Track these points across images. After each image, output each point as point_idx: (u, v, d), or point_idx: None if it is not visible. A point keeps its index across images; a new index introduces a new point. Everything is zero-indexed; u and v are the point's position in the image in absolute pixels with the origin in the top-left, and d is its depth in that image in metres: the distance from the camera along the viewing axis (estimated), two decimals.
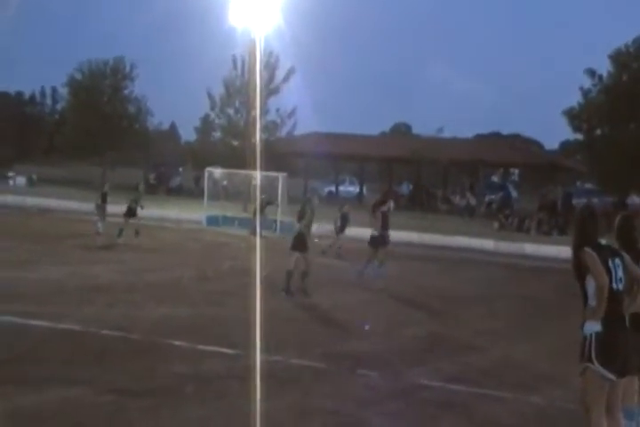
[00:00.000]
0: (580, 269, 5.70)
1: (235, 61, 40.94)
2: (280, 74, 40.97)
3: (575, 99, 41.91)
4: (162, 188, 47.19)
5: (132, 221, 22.69)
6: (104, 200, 23.89)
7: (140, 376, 7.73)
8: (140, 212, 23.20)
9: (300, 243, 14.60)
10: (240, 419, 6.56)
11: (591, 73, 41.03)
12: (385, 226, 16.96)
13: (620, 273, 5.64)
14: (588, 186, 53.88)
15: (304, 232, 14.80)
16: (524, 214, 36.05)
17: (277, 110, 41.45)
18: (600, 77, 40.93)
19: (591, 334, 5.50)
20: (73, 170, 55.23)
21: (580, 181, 62.49)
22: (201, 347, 9.25)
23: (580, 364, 5.58)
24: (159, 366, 8.23)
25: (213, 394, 7.18)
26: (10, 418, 6.19)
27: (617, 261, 5.69)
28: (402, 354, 9.84)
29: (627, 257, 5.86)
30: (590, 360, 5.48)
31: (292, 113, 41.30)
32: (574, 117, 41.36)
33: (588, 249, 5.68)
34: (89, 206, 35.33)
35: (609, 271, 5.60)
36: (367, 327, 11.09)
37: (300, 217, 14.81)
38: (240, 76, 41.04)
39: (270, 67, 40.60)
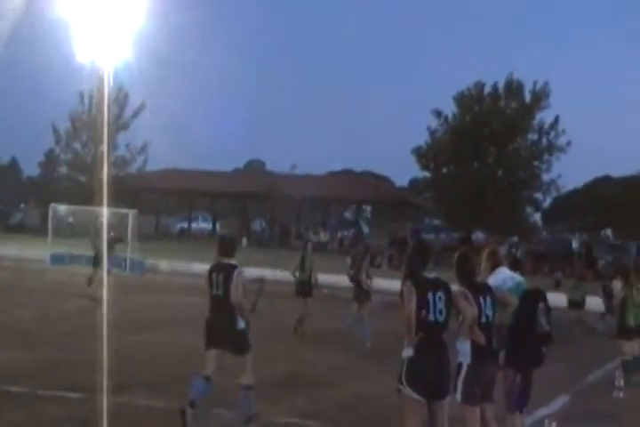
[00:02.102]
0: (402, 299, 6.08)
1: (82, 96, 40.04)
2: (130, 109, 40.37)
3: (423, 137, 43.50)
4: (1, 225, 44.84)
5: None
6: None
7: None
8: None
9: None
10: None
11: (437, 113, 42.85)
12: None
13: (441, 305, 5.98)
14: (436, 222, 55.87)
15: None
16: (376, 250, 36.69)
17: (127, 146, 40.78)
18: (446, 118, 42.77)
19: (405, 359, 5.93)
20: None
21: (428, 217, 64.67)
22: (41, 392, 8.59)
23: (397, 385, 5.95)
24: None
25: None
26: None
27: (439, 293, 6.01)
28: (259, 392, 9.51)
29: (457, 289, 6.32)
30: (401, 382, 5.90)
31: (143, 148, 40.72)
32: (422, 156, 42.93)
33: (408, 282, 6.10)
34: None
35: (427, 303, 5.94)
36: None
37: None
38: (87, 110, 40.09)
39: (120, 102, 39.93)
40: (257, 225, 50.82)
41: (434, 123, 43.00)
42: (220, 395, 8.99)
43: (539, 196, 44.32)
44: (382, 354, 12.52)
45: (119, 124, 39.60)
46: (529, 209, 47.89)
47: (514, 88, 41.76)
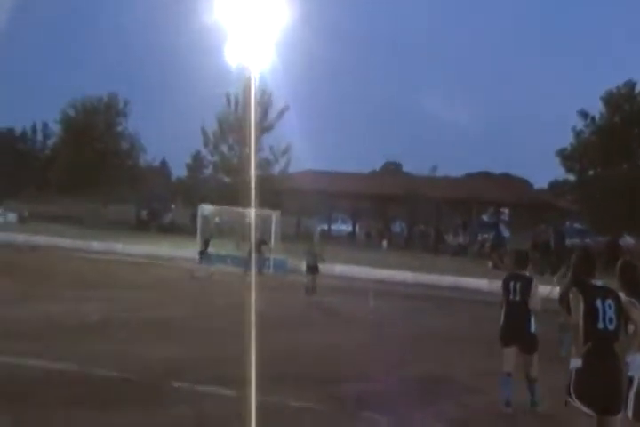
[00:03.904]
0: (566, 306, 5.89)
1: (229, 98, 41.20)
2: (274, 111, 41.23)
3: (567, 139, 42.27)
4: (154, 224, 47.01)
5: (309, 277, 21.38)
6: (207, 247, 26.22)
7: (141, 419, 7.50)
8: (321, 266, 21.80)
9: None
10: None
11: (584, 114, 41.48)
12: None
13: (611, 313, 5.76)
14: (577, 226, 54.02)
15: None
16: None
17: (271, 148, 41.67)
18: (593, 119, 41.35)
19: (573, 369, 5.69)
20: (64, 206, 54.96)
21: (570, 220, 62.57)
22: (200, 388, 9.01)
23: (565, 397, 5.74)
24: (159, 407, 8.01)
25: None
26: None
27: (609, 301, 5.79)
28: (404, 396, 9.61)
29: (624, 299, 6.01)
30: (569, 395, 5.66)
31: (286, 150, 41.51)
32: (567, 158, 41.67)
33: (574, 289, 5.89)
34: (80, 244, 35.32)
35: (596, 311, 5.72)
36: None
37: None
38: (234, 112, 41.26)
39: (264, 104, 40.87)
40: (397, 227, 50.80)
41: (579, 124, 41.66)
42: (367, 399, 9.17)
43: None
44: None
45: (263, 127, 40.56)
46: None
47: None
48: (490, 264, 34.72)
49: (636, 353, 5.98)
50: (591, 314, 5.71)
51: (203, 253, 26.92)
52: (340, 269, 30.85)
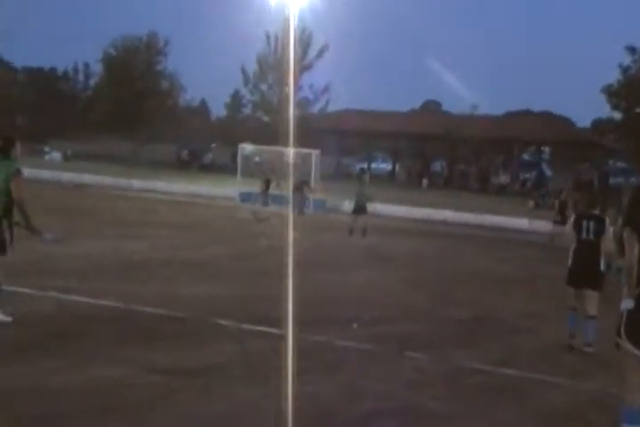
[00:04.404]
0: (620, 245, 5.75)
1: (268, 38, 40.71)
2: (313, 50, 40.69)
3: (612, 76, 41.11)
4: (194, 164, 47.19)
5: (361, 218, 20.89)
6: (267, 187, 25.84)
7: (189, 356, 7.58)
8: (370, 207, 21.31)
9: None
10: (292, 400, 6.39)
11: (631, 49, 40.19)
12: None
13: None
14: (621, 165, 53.03)
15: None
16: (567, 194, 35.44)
17: (310, 87, 41.23)
18: None
19: (624, 310, 5.53)
20: (106, 145, 55.32)
21: (612, 159, 61.43)
22: (246, 326, 9.08)
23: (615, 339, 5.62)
24: (206, 345, 8.09)
25: (263, 375, 6.99)
26: (54, 395, 6.05)
27: None
28: (448, 336, 9.61)
29: None
30: (620, 336, 5.52)
31: (326, 89, 41.09)
32: (613, 95, 40.61)
33: (629, 229, 5.64)
34: (122, 182, 35.66)
35: None
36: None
37: None
38: (273, 52, 40.79)
39: (303, 43, 40.34)
40: (437, 166, 50.33)
41: (626, 60, 40.42)
42: (411, 339, 9.19)
43: None
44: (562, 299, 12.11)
45: (303, 66, 40.07)
46: None
47: None
48: (531, 204, 34.33)
49: None
50: None
51: (264, 194, 26.59)
52: (380, 208, 30.75)
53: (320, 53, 40.47)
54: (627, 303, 5.60)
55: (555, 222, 22.76)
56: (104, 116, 50.37)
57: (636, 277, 5.57)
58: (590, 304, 9.26)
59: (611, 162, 60.23)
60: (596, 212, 9.55)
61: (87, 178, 36.18)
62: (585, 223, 9.34)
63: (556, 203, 23.77)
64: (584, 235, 9.31)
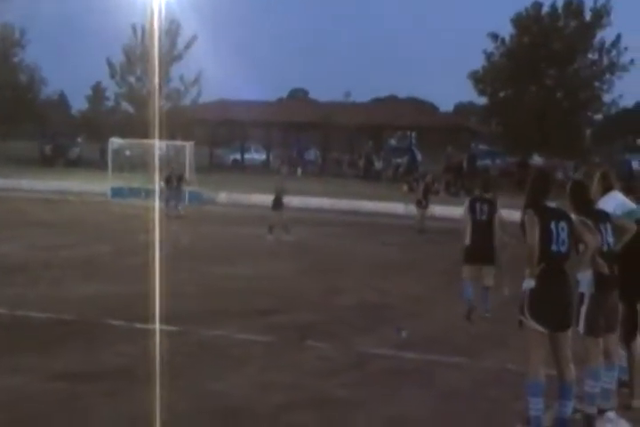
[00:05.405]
0: (524, 228, 5.96)
1: (135, 29, 39.85)
2: (182, 41, 40.21)
3: (474, 62, 42.58)
4: (60, 160, 45.39)
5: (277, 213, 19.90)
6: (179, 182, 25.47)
7: (87, 359, 7.31)
8: (287, 202, 20.53)
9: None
10: (203, 398, 6.27)
11: (494, 36, 41.74)
12: None
13: (564, 236, 5.86)
14: (483, 147, 55.10)
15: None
16: (432, 177, 36.46)
17: (181, 78, 40.66)
18: (503, 40, 41.73)
19: (526, 290, 5.83)
20: None
21: (476, 142, 63.64)
22: (139, 325, 8.82)
23: (517, 317, 5.92)
24: (102, 347, 7.82)
25: (168, 373, 6.79)
26: None
27: (562, 224, 5.89)
28: (344, 323, 9.68)
29: (576, 219, 6.10)
30: (523, 314, 5.84)
31: (196, 80, 40.60)
32: (479, 81, 42.03)
33: (530, 211, 5.95)
34: None
35: (550, 233, 5.82)
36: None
37: None
38: (140, 43, 39.97)
39: (172, 34, 39.74)
40: (310, 155, 50.60)
41: (490, 46, 41.98)
42: (308, 328, 9.20)
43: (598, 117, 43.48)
44: (447, 281, 12.50)
45: (172, 57, 39.47)
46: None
47: (573, 7, 40.42)
48: (405, 188, 35.05)
49: (585, 271, 6.11)
50: (545, 236, 5.80)
51: (177, 189, 25.86)
52: (255, 198, 30.66)
53: (189, 44, 40.00)
54: (528, 283, 5.86)
55: (418, 204, 23.43)
56: None
57: (537, 258, 5.79)
58: (487, 277, 10.15)
59: (473, 145, 62.44)
60: (488, 196, 10.40)
61: None
62: (479, 206, 10.14)
63: (422, 185, 24.48)
64: (478, 216, 10.07)
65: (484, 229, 10.00)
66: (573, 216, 6.10)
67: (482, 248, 9.99)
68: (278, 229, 19.13)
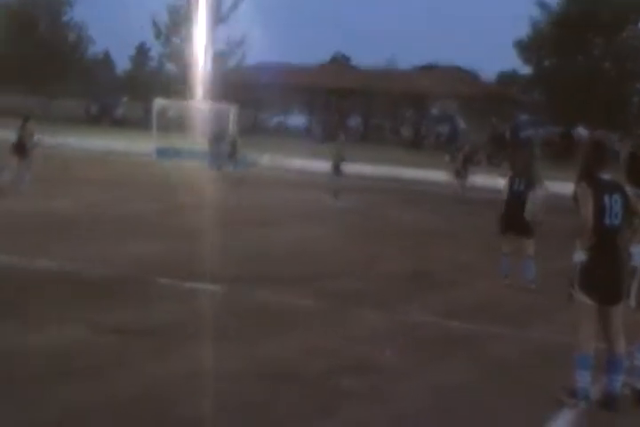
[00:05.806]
0: (577, 201, 5.86)
1: None
2: (228, 2, 39.96)
3: (517, 31, 41.84)
4: (105, 119, 45.79)
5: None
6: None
7: (138, 316, 7.45)
8: (345, 168, 20.78)
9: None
10: (250, 360, 6.38)
11: (541, 4, 40.93)
12: None
13: (617, 209, 5.76)
14: (524, 117, 54.29)
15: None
16: (475, 147, 36.10)
17: (226, 40, 40.50)
18: (549, 9, 40.92)
19: (577, 263, 5.78)
20: (10, 100, 52.95)
21: (519, 111, 62.60)
22: (188, 284, 8.97)
23: (568, 289, 5.87)
24: (153, 304, 7.96)
25: (215, 333, 6.93)
26: (9, 357, 5.87)
27: (615, 196, 5.79)
28: (389, 291, 9.73)
29: (630, 192, 5.98)
30: (573, 286, 5.80)
31: (241, 42, 40.39)
32: (524, 49, 41.35)
33: (583, 184, 5.83)
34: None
35: (603, 206, 5.72)
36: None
37: None
38: (186, 4, 39.75)
39: None
40: (353, 121, 50.37)
41: (536, 14, 41.21)
42: (353, 295, 9.28)
43: None
44: (490, 251, 12.39)
45: (218, 18, 39.22)
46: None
47: None
48: (447, 157, 34.76)
49: (638, 244, 6.04)
50: (598, 210, 5.72)
51: (232, 156, 25.99)
52: (299, 163, 30.72)
53: (235, 5, 39.73)
54: (579, 256, 5.80)
55: (456, 174, 23.23)
56: (7, 70, 48.09)
57: (589, 231, 5.74)
58: (527, 247, 10.20)
59: (517, 114, 61.47)
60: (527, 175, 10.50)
61: None
62: (517, 180, 10.37)
63: (460, 156, 24.22)
64: (516, 187, 10.31)
65: (517, 200, 10.14)
66: (628, 188, 5.99)
67: (515, 218, 10.12)
68: (330, 194, 19.32)
